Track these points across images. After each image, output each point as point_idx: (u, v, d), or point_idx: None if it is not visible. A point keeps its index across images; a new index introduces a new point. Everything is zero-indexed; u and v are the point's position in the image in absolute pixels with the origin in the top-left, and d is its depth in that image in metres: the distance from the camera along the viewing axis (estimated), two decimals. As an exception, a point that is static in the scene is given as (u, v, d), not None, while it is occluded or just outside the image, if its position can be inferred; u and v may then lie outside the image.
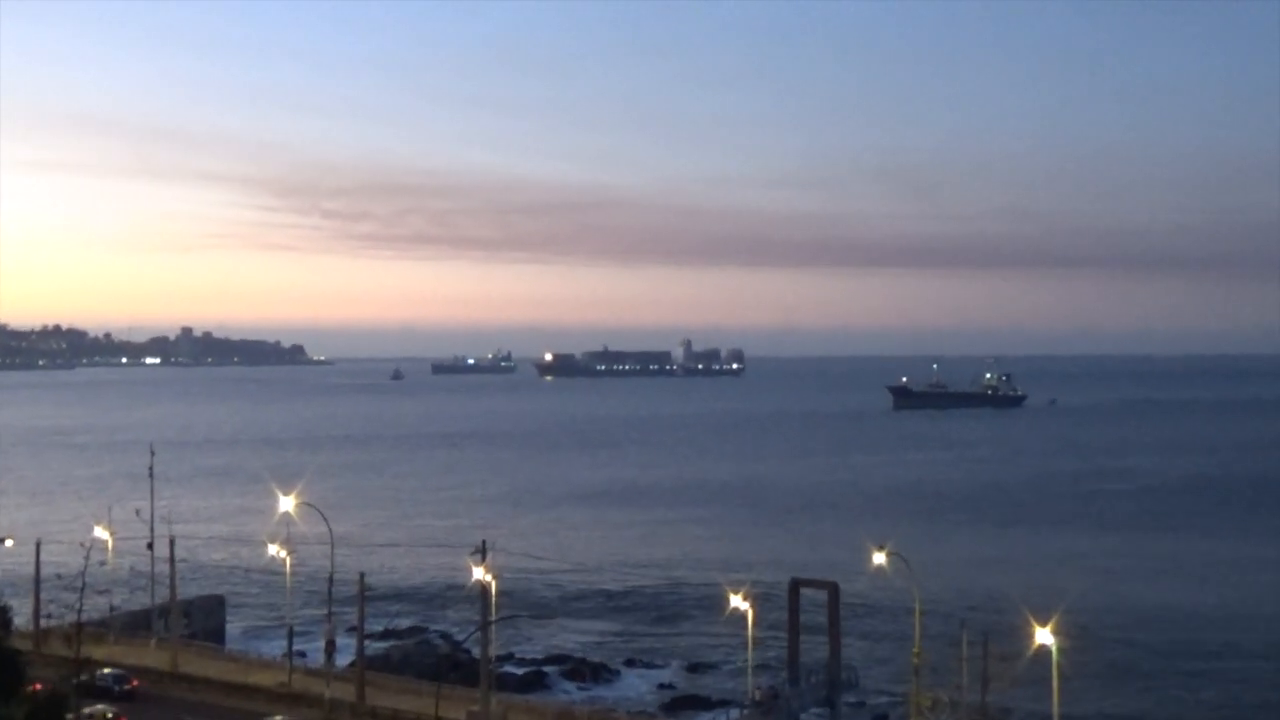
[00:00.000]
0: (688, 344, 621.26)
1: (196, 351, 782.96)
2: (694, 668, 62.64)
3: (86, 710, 41.04)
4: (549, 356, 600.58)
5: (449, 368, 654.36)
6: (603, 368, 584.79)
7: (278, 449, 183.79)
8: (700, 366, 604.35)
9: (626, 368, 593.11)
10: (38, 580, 54.46)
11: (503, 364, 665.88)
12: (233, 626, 67.92)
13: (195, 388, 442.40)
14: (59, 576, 48.26)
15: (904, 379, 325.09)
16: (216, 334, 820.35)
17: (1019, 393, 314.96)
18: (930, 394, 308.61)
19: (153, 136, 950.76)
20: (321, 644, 48.98)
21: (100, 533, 59.10)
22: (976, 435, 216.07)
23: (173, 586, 53.66)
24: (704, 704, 54.85)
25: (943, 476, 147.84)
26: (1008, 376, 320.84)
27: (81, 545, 43.98)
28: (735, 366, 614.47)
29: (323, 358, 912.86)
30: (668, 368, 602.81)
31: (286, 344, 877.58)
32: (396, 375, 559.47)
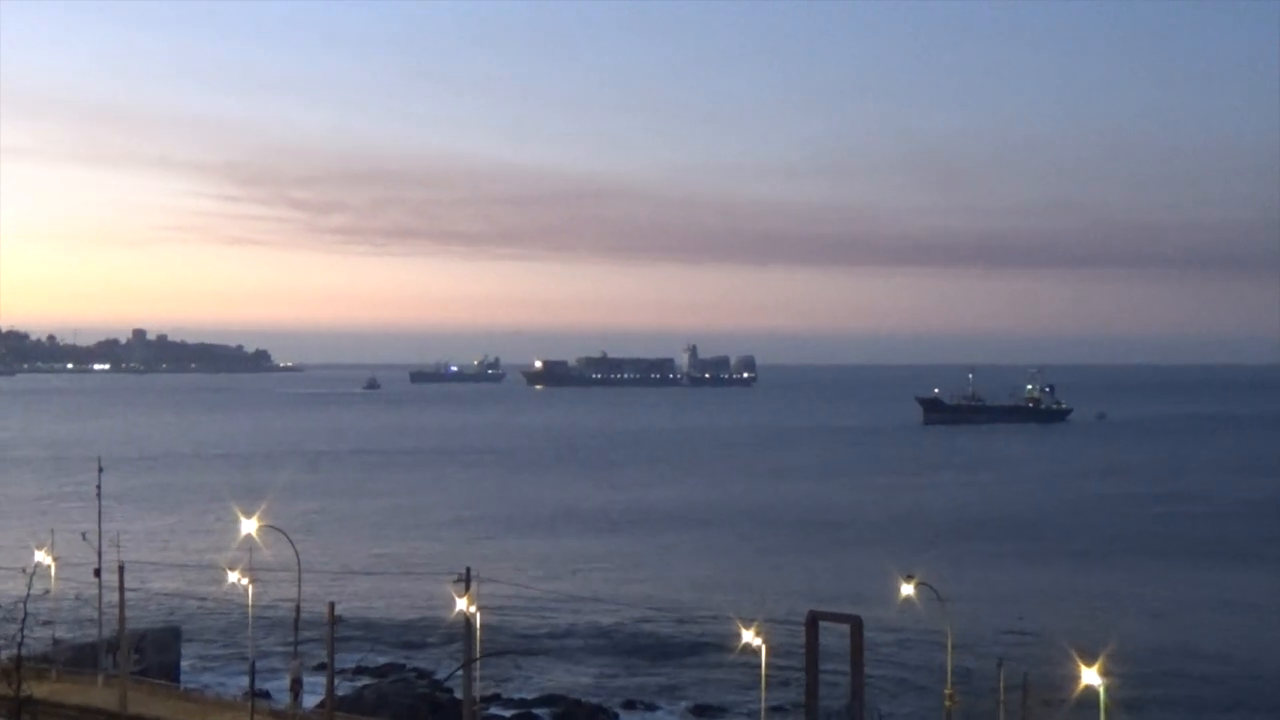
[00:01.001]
0: (692, 350, 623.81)
1: (150, 356, 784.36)
2: (700, 710, 62.64)
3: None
4: (538, 364, 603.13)
5: (430, 376, 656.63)
6: (598, 376, 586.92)
7: (240, 465, 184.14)
8: (706, 375, 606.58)
9: (625, 376, 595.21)
10: (-28, 610, 54.44)
11: (490, 372, 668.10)
12: (189, 662, 68.00)
13: (148, 396, 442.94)
14: (-4, 606, 48.29)
15: (935, 390, 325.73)
16: (172, 337, 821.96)
17: (1063, 406, 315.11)
18: (964, 407, 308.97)
19: (100, 118, 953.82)
20: (287, 682, 49.00)
21: (42, 557, 59.13)
22: (1016, 453, 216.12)
23: (121, 618, 53.71)
24: (712, 751, 54.83)
25: (978, 499, 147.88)
26: (1051, 388, 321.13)
27: (22, 571, 44.05)
28: (745, 375, 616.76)
29: (290, 364, 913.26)
30: (670, 376, 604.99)
31: (250, 349, 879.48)
32: (372, 384, 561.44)
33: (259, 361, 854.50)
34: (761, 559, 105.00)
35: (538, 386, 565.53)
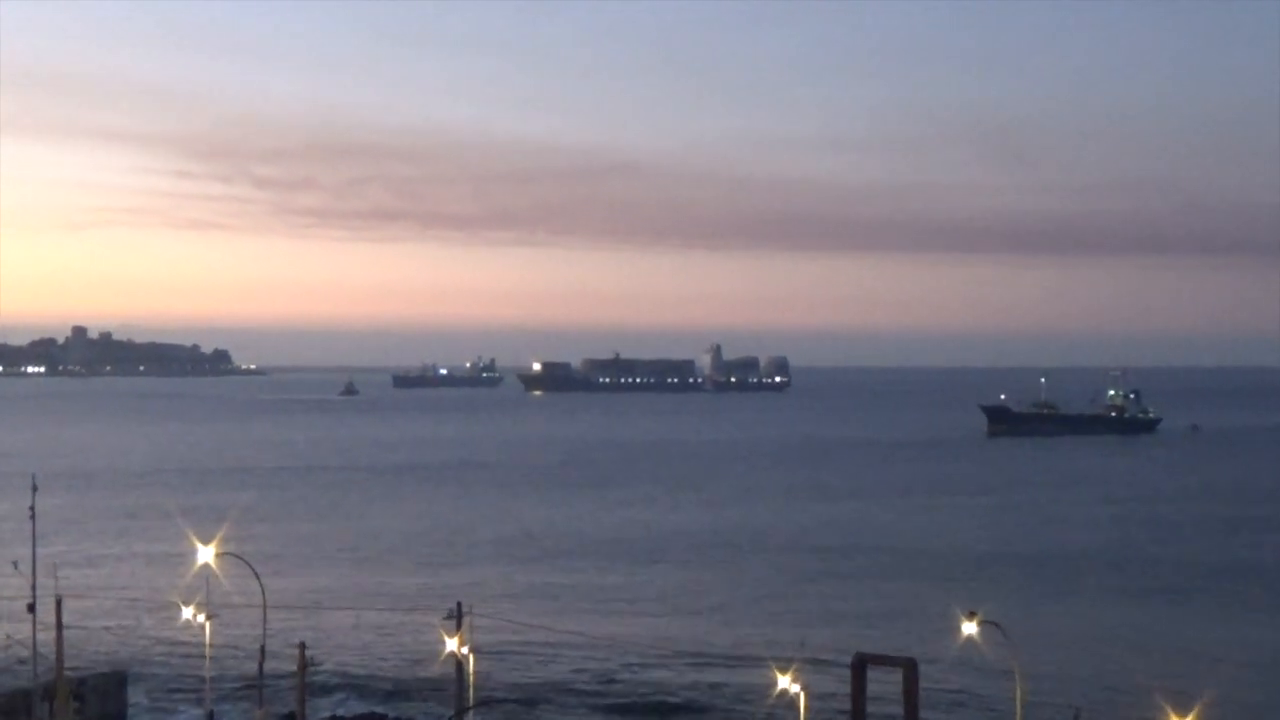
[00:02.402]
0: (716, 350, 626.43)
1: (91, 358, 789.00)
2: (729, 769, 62.58)
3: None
4: (537, 366, 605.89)
5: (416, 380, 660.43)
6: (606, 380, 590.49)
7: (196, 483, 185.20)
8: (733, 379, 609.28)
9: (638, 380, 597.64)
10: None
11: (484, 375, 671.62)
12: (137, 711, 68.16)
13: (90, 403, 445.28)
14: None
15: (1001, 397, 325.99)
16: (117, 336, 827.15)
17: (1151, 415, 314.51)
18: (1035, 416, 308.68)
19: (33, 85, 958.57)
20: (250, 734, 49.18)
21: (-33, 590, 59.41)
22: (1096, 470, 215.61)
23: (59, 659, 53.93)
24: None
25: (1052, 524, 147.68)
26: (1136, 394, 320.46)
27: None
28: (778, 379, 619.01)
29: (254, 366, 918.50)
30: (691, 381, 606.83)
31: (207, 349, 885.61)
32: (349, 390, 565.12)
33: (218, 363, 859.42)
34: (800, 592, 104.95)
35: (536, 392, 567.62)
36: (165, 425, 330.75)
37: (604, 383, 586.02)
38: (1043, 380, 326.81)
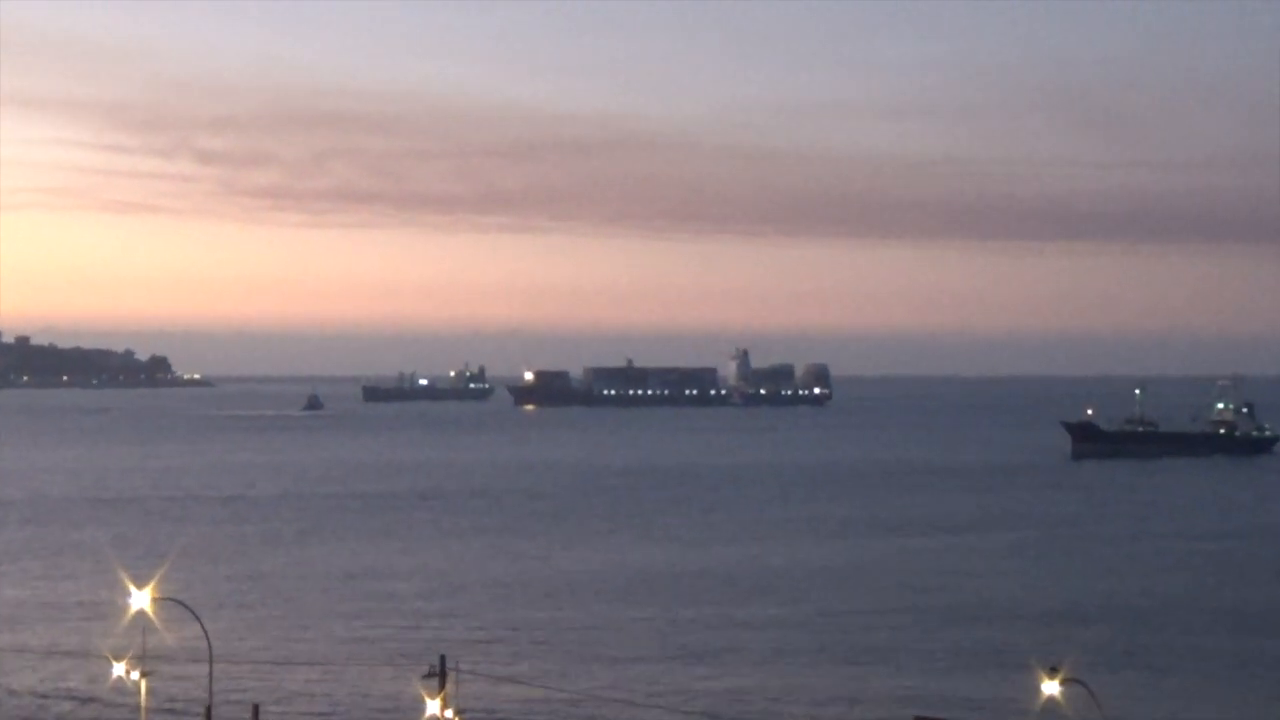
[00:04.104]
0: (743, 357, 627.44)
1: (6, 366, 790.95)
2: None
3: None
4: (529, 375, 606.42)
5: (390, 392, 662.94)
6: (612, 392, 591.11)
7: (131, 515, 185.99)
8: (763, 391, 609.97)
9: (649, 392, 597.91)
10: None
11: (472, 386, 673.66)
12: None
13: (2, 420, 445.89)
14: None
15: (1088, 411, 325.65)
16: (37, 340, 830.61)
17: (1268, 433, 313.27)
18: (1130, 435, 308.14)
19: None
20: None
21: None
22: (1202, 499, 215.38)
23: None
24: None
25: (1148, 564, 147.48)
26: (1250, 408, 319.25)
27: None
28: (817, 391, 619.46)
29: (198, 376, 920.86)
30: (713, 393, 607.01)
31: (143, 355, 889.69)
32: (312, 403, 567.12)
33: (155, 373, 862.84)
34: (850, 645, 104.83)
35: (528, 407, 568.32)
36: (93, 446, 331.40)
37: (609, 395, 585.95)
38: (1137, 392, 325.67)
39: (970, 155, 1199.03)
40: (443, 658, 44.60)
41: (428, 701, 43.29)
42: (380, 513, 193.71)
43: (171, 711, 72.39)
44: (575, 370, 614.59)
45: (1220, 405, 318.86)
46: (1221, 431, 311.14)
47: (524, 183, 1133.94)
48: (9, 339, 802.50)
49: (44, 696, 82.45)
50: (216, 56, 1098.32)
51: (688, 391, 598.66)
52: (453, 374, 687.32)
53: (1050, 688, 45.63)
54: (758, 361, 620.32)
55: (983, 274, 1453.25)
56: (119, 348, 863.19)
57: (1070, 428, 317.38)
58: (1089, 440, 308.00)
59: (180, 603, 51.18)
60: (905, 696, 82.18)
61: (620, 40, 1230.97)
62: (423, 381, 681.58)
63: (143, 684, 55.48)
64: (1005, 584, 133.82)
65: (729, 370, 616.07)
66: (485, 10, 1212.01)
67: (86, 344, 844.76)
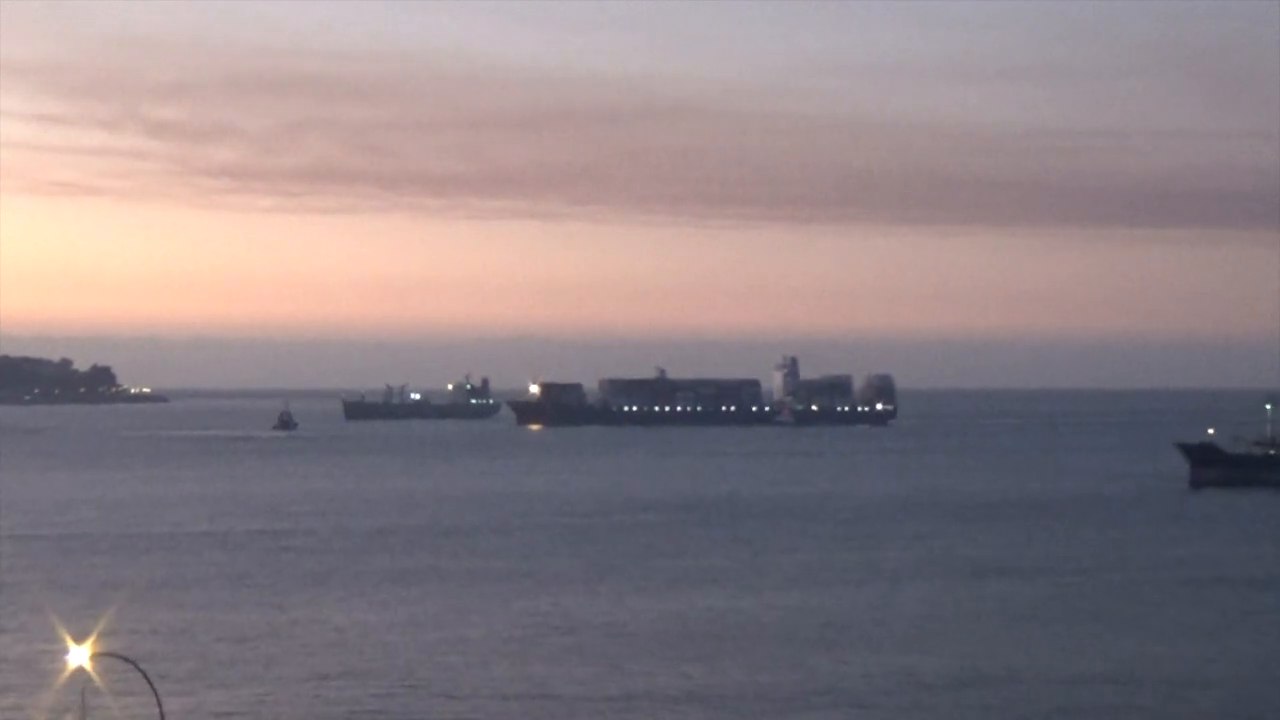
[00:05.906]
0: (792, 366, 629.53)
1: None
2: None
3: None
4: (535, 389, 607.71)
5: (377, 408, 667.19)
6: (634, 408, 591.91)
7: (69, 555, 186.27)
8: (815, 407, 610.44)
9: (679, 409, 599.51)
10: None
11: (474, 401, 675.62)
12: None
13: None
14: None
15: (1209, 431, 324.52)
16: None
17: None
18: (1259, 459, 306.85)
19: None
20: None
21: None
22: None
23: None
24: None
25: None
26: None
27: None
28: (879, 407, 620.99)
29: (148, 390, 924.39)
30: (755, 409, 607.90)
31: (83, 365, 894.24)
32: (284, 422, 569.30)
33: (98, 385, 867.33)
34: (938, 702, 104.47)
35: (533, 427, 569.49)
36: (23, 473, 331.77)
37: (630, 411, 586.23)
38: (1268, 408, 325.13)
39: (1060, 127, 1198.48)
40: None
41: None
42: (358, 551, 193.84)
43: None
44: (590, 382, 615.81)
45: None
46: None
47: (534, 160, 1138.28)
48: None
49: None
50: (172, 14, 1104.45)
51: (725, 408, 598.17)
52: (450, 387, 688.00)
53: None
54: (808, 372, 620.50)
55: (1076, 267, 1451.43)
56: (54, 356, 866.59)
57: (1187, 450, 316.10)
58: (1211, 465, 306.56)
59: (126, 659, 50.53)
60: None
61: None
62: (415, 396, 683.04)
63: (82, 755, 55.13)
64: (1119, 642, 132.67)
65: (775, 382, 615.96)
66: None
67: (15, 352, 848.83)
